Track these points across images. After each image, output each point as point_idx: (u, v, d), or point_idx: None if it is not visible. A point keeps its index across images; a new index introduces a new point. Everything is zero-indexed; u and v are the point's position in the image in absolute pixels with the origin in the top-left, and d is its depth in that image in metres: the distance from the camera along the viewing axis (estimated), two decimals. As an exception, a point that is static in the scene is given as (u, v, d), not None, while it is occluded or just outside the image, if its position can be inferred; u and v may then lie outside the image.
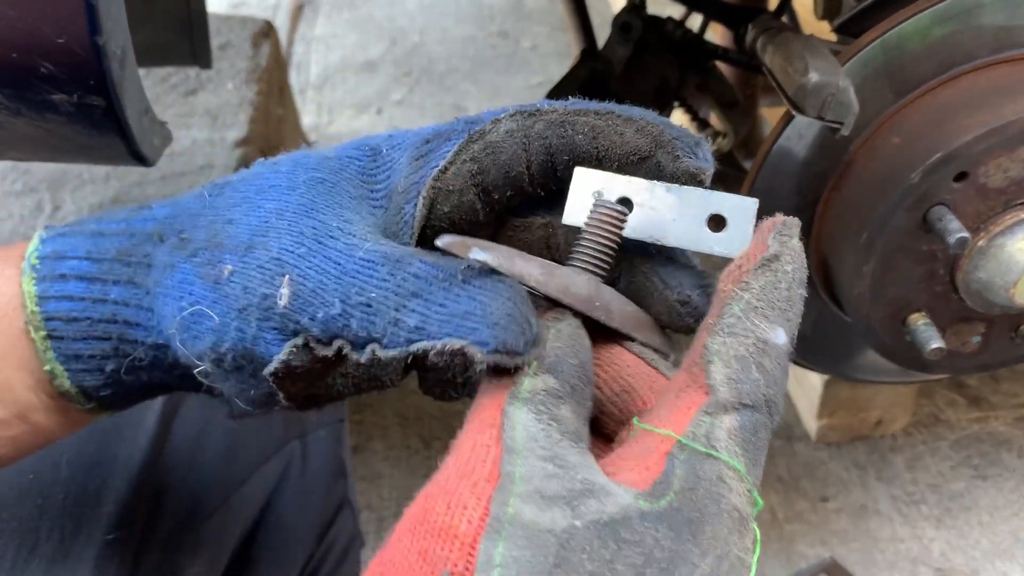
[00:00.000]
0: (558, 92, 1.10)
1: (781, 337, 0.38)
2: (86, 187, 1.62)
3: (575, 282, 0.42)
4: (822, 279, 0.96)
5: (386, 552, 0.34)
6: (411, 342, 0.40)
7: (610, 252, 0.44)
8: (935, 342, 0.86)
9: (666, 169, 0.46)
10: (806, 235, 0.94)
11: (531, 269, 0.41)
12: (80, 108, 0.62)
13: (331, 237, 0.43)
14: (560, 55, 2.66)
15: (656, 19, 1.14)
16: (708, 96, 1.28)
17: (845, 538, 1.44)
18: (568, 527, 0.33)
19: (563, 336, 0.40)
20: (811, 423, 1.57)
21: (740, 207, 0.44)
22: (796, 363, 1.12)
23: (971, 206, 0.82)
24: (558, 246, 0.49)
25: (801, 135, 0.89)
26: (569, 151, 0.46)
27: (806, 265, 0.40)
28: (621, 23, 1.11)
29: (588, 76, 1.11)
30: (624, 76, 1.12)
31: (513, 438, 0.36)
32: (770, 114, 1.72)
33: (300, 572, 0.83)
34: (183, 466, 0.74)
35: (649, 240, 0.45)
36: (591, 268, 0.44)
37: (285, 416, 0.84)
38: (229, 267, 0.43)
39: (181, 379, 0.48)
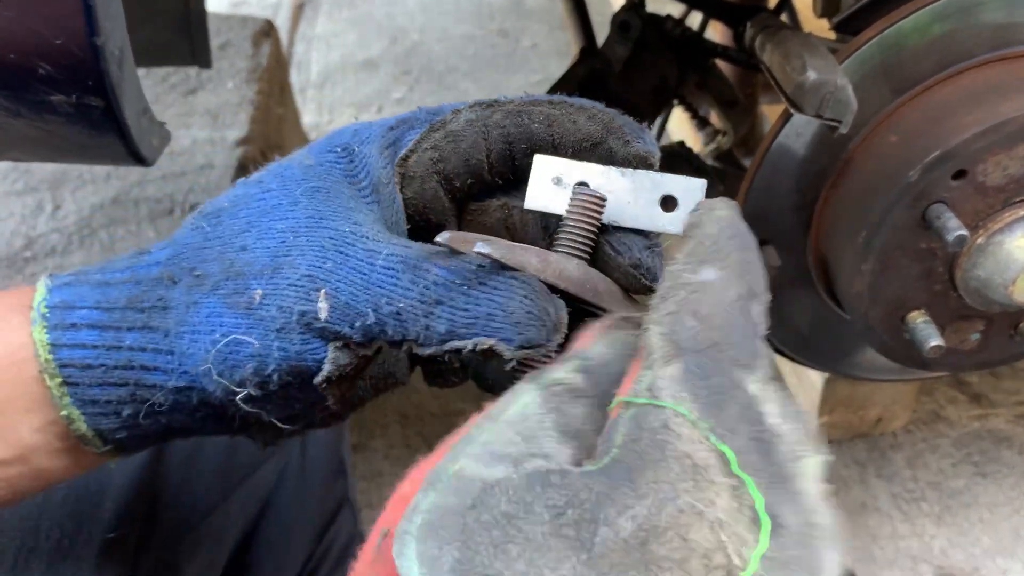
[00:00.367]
0: (557, 91, 1.10)
1: (710, 274, 0.38)
2: (87, 187, 1.62)
3: (566, 267, 0.45)
4: (821, 277, 0.96)
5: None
6: (444, 342, 0.43)
7: (592, 236, 0.47)
8: (934, 340, 0.86)
9: (617, 153, 0.48)
10: (804, 233, 0.94)
11: (529, 258, 0.44)
12: (79, 109, 0.62)
13: (349, 244, 0.45)
14: (560, 53, 2.66)
15: (655, 17, 1.14)
16: (708, 94, 1.28)
17: (845, 536, 1.44)
18: (503, 477, 0.32)
19: (616, 344, 0.40)
20: (811, 420, 1.57)
21: (689, 188, 0.47)
22: (796, 361, 1.12)
23: (969, 204, 0.82)
24: (515, 226, 0.52)
25: (799, 133, 0.89)
26: (526, 139, 0.49)
27: (738, 222, 0.41)
28: (620, 22, 1.11)
29: (587, 75, 1.11)
30: (623, 75, 1.12)
31: (502, 410, 0.36)
32: (771, 112, 1.72)
33: (300, 571, 0.84)
34: (182, 465, 0.75)
35: (608, 222, 0.48)
36: (577, 252, 0.47)
37: None
38: (259, 291, 0.45)
39: (204, 421, 0.49)
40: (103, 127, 0.64)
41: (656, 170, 0.48)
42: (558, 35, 2.75)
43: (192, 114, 1.78)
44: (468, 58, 2.69)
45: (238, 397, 0.45)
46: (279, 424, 0.48)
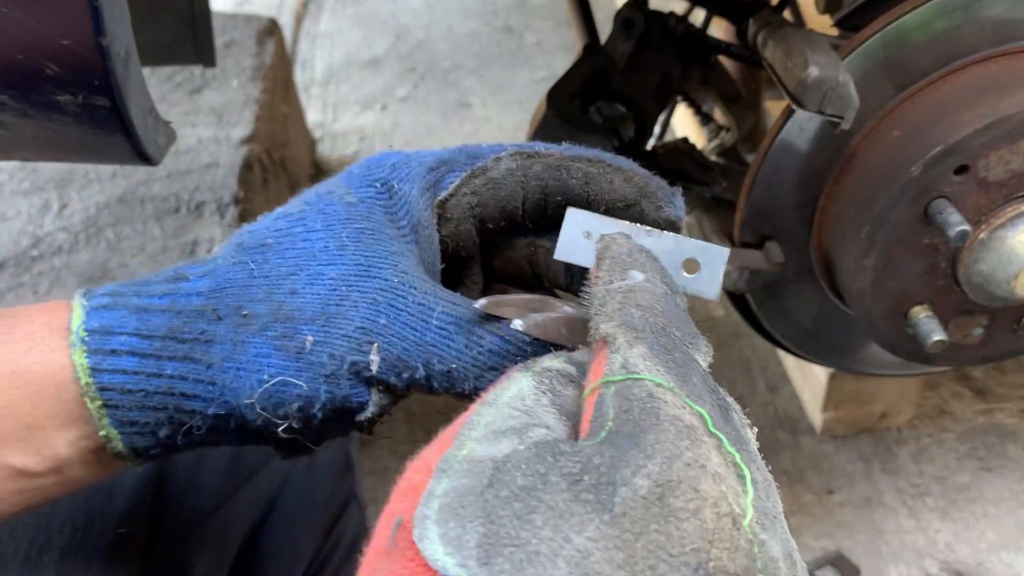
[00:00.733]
0: (560, 89, 1.10)
1: (638, 277, 0.42)
2: (93, 185, 1.63)
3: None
4: (824, 272, 0.97)
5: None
6: None
7: None
8: (937, 335, 0.86)
9: (648, 216, 0.52)
10: (807, 229, 0.95)
11: (560, 328, 0.46)
12: (85, 108, 0.63)
13: (400, 297, 0.47)
14: (565, 50, 2.66)
15: (658, 14, 1.14)
16: (711, 91, 1.28)
17: (851, 530, 1.44)
18: (511, 452, 0.33)
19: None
20: (816, 416, 1.57)
21: (712, 253, 0.50)
22: (800, 356, 1.12)
23: (972, 199, 0.83)
24: (538, 263, 0.55)
25: (802, 129, 0.89)
26: (562, 193, 0.52)
27: (640, 245, 0.46)
28: (623, 19, 1.11)
29: (590, 72, 1.11)
30: (626, 71, 1.12)
31: (499, 395, 0.37)
32: (774, 108, 1.72)
33: (307, 566, 0.84)
34: (191, 462, 0.75)
35: None
36: None
37: None
38: (311, 338, 0.47)
39: (236, 439, 0.51)
40: (109, 127, 0.65)
41: (682, 234, 0.51)
42: (563, 31, 2.75)
43: (197, 113, 1.78)
44: (473, 55, 2.69)
45: (279, 428, 0.48)
46: (310, 445, 0.50)
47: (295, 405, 0.47)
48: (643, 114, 1.13)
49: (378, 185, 0.51)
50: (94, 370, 0.47)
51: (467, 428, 0.35)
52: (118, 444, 0.48)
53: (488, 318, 0.46)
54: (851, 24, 0.91)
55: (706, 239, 0.73)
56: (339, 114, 2.45)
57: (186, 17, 1.10)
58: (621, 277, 0.42)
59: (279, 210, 0.52)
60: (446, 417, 0.38)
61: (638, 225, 0.50)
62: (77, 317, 0.48)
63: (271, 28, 2.03)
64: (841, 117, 0.80)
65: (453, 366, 0.46)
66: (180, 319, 0.48)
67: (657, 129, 1.38)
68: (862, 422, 1.57)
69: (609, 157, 0.52)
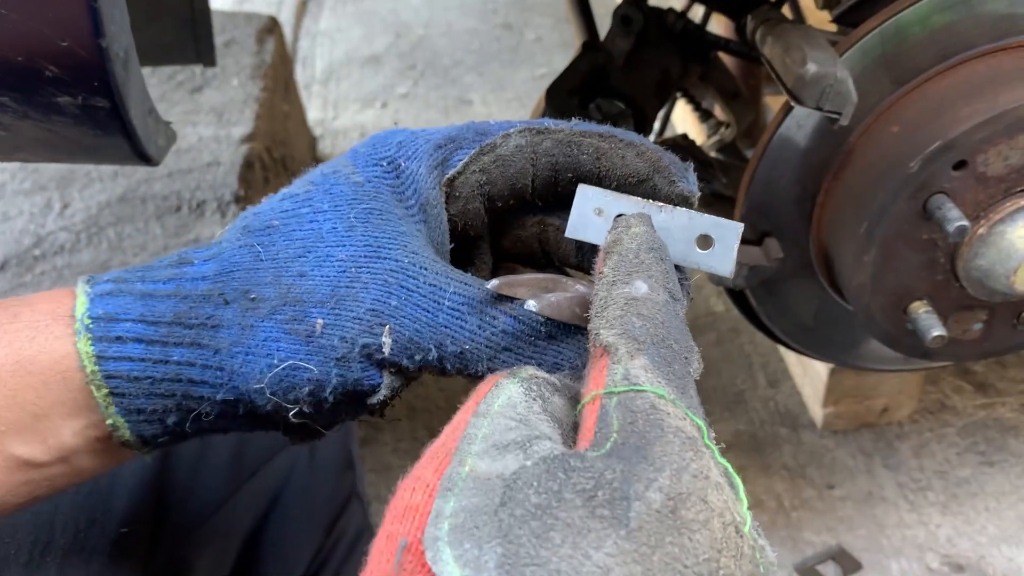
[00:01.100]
0: (559, 85, 1.10)
1: (641, 288, 0.42)
2: (94, 185, 1.63)
3: None
4: (823, 268, 0.97)
5: (371, 548, 0.35)
6: None
7: None
8: (936, 330, 0.87)
9: (661, 191, 0.50)
10: (806, 225, 0.95)
11: (573, 308, 0.46)
12: (85, 110, 0.63)
13: (411, 278, 0.46)
14: (565, 46, 2.66)
15: (657, 11, 1.14)
16: (710, 87, 1.28)
17: (852, 525, 1.44)
18: (518, 468, 0.33)
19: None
20: (817, 411, 1.58)
21: (726, 228, 0.48)
22: (801, 352, 1.12)
23: (971, 194, 0.83)
24: (548, 241, 0.54)
25: (800, 125, 0.89)
26: (573, 169, 0.51)
27: (654, 237, 0.45)
28: (622, 15, 1.11)
29: (589, 69, 1.11)
30: (625, 68, 1.12)
31: (490, 405, 0.38)
32: (775, 103, 1.72)
33: (308, 564, 0.84)
34: (192, 461, 0.75)
35: None
36: None
37: None
38: (321, 321, 0.46)
39: (245, 424, 0.50)
40: (109, 127, 0.65)
41: (696, 209, 0.50)
42: (563, 28, 2.75)
43: (198, 112, 1.78)
44: (473, 52, 2.69)
45: (290, 413, 0.47)
46: (320, 429, 0.50)
47: (306, 389, 0.46)
48: (642, 111, 1.13)
49: (385, 164, 0.50)
50: (99, 358, 0.46)
51: (465, 442, 0.35)
52: (125, 432, 0.48)
53: (500, 298, 0.46)
54: (849, 20, 0.91)
55: None
56: (339, 112, 2.46)
57: (186, 17, 1.10)
58: (625, 281, 0.42)
59: (284, 191, 0.50)
60: (447, 413, 0.38)
61: (651, 201, 0.49)
62: (81, 304, 0.47)
63: (271, 26, 2.03)
64: (839, 113, 0.80)
65: (466, 347, 0.45)
66: (186, 304, 0.47)
67: (657, 125, 1.38)
68: (863, 417, 1.57)
69: (620, 132, 0.51)
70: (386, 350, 0.45)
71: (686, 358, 0.40)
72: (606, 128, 0.51)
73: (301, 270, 0.47)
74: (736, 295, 1.06)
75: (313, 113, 2.42)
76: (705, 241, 0.49)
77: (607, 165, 0.50)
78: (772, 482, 1.49)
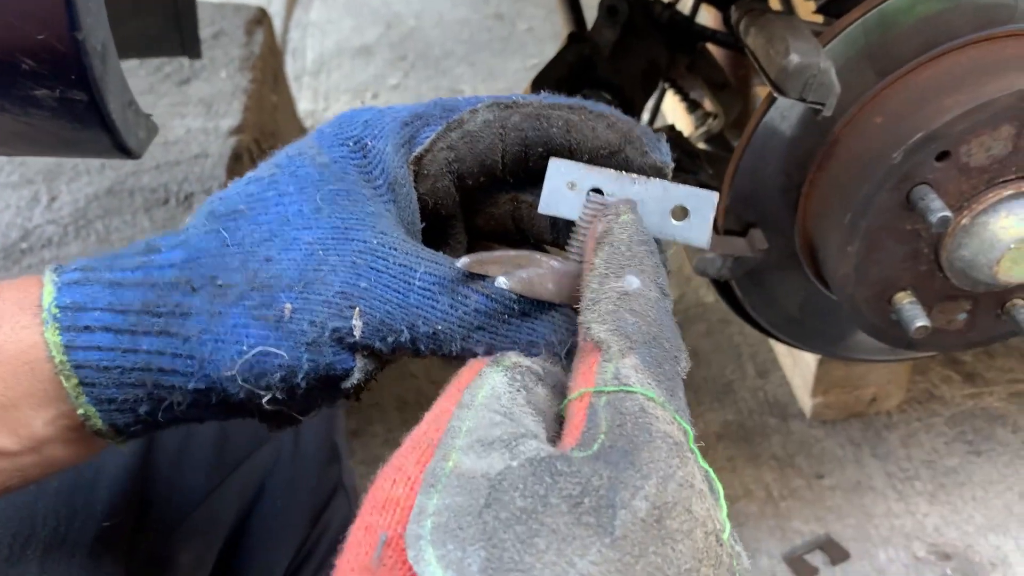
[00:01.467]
0: (545, 76, 1.10)
1: (634, 283, 0.41)
2: (81, 178, 1.63)
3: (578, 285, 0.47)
4: (808, 259, 0.97)
5: (347, 537, 0.35)
6: (475, 357, 0.45)
7: None
8: (920, 320, 0.87)
9: (634, 163, 0.49)
10: (791, 215, 0.95)
11: (546, 284, 0.45)
12: (63, 103, 0.63)
13: (381, 259, 0.45)
14: (556, 37, 2.66)
15: (644, 1, 1.14)
16: (698, 77, 1.28)
17: (840, 514, 1.45)
18: (504, 468, 0.33)
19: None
20: (806, 401, 1.58)
21: (701, 198, 0.48)
22: (788, 343, 1.13)
23: (954, 185, 0.83)
24: (522, 218, 0.53)
25: (784, 116, 0.89)
26: (543, 143, 0.50)
27: (642, 229, 0.45)
28: (608, 6, 1.11)
29: (576, 60, 1.11)
30: (612, 59, 1.12)
31: (474, 395, 0.38)
32: (763, 94, 1.72)
33: (293, 556, 0.85)
34: (175, 453, 0.75)
35: None
36: None
37: None
38: (289, 305, 0.45)
39: (219, 413, 0.49)
40: (88, 121, 0.65)
41: (669, 179, 0.49)
42: (555, 18, 2.74)
43: (186, 103, 1.78)
44: (464, 42, 2.69)
45: (263, 400, 0.46)
46: (297, 415, 0.49)
47: (277, 375, 0.45)
48: (629, 101, 1.13)
49: (351, 144, 0.49)
50: (68, 347, 0.45)
51: (448, 436, 0.35)
52: (97, 422, 0.47)
53: (472, 277, 0.45)
54: (834, 11, 0.91)
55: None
56: (330, 103, 2.45)
57: (170, 9, 1.09)
58: (617, 275, 0.42)
59: (249, 175, 0.50)
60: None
61: (623, 173, 0.48)
62: (48, 293, 0.46)
63: (260, 17, 2.02)
64: (823, 104, 0.80)
65: (439, 327, 0.45)
66: (154, 292, 0.46)
67: (646, 116, 1.37)
68: (852, 407, 1.58)
69: (590, 104, 0.50)
70: (357, 333, 0.45)
71: (675, 357, 0.40)
72: (576, 100, 0.50)
73: (268, 254, 0.46)
74: (722, 286, 1.06)
75: (304, 104, 2.41)
76: (681, 212, 0.48)
77: (577, 137, 0.49)
78: (761, 472, 1.50)
